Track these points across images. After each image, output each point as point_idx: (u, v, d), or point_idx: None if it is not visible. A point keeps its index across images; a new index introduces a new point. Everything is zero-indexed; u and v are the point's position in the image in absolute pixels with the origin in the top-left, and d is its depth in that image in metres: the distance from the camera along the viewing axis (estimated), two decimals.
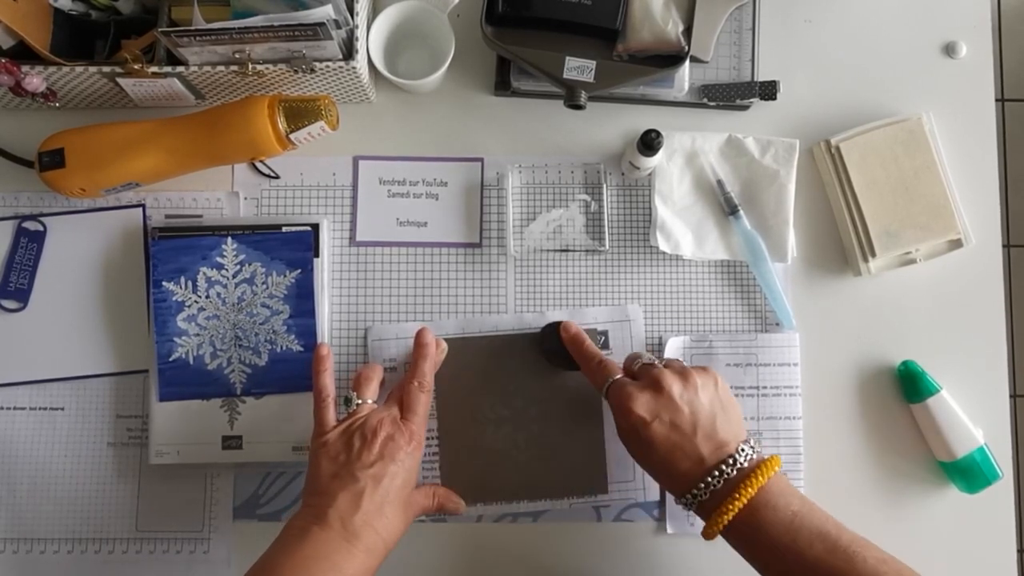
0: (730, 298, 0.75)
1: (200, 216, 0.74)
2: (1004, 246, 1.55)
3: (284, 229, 0.72)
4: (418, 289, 0.74)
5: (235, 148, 0.68)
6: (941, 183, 0.73)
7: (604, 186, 0.75)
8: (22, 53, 0.66)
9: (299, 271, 0.72)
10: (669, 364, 0.64)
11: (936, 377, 0.72)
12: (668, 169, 0.74)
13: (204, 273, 0.71)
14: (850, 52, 0.78)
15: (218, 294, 0.71)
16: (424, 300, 0.74)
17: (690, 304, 0.74)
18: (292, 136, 0.67)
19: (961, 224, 0.73)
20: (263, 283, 0.72)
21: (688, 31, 0.69)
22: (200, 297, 0.71)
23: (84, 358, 0.72)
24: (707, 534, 0.59)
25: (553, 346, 0.70)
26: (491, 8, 0.70)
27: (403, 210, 0.75)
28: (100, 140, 0.68)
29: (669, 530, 0.72)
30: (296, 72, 0.67)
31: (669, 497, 0.70)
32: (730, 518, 0.57)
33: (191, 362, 0.71)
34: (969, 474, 0.71)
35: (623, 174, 0.76)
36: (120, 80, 0.67)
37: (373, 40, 0.71)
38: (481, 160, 0.76)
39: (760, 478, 0.57)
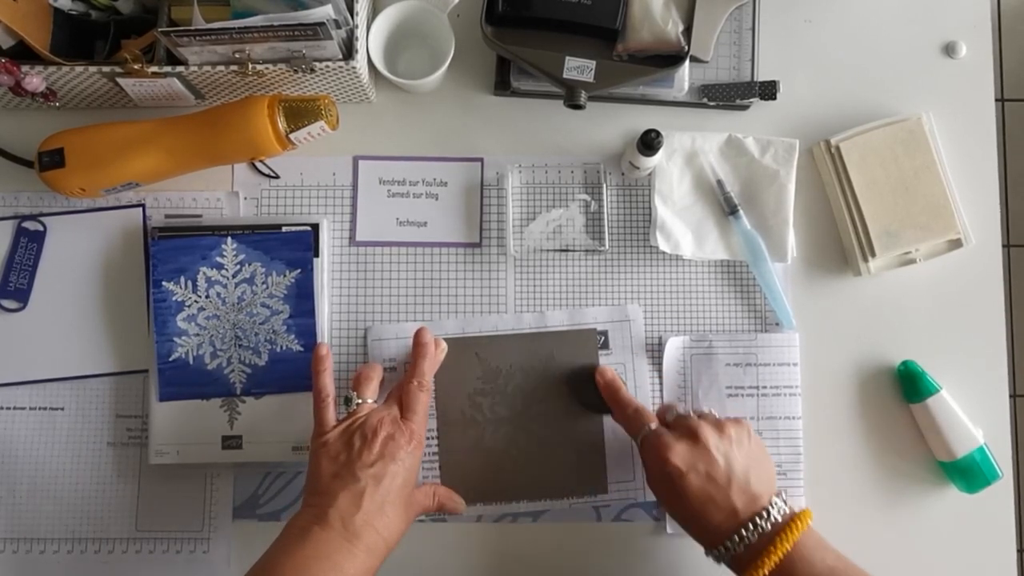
0: (730, 298, 0.75)
1: (200, 216, 0.74)
2: (1004, 246, 1.55)
3: (284, 229, 0.72)
4: (418, 289, 0.74)
5: (235, 148, 0.68)
6: (941, 183, 0.73)
7: (604, 186, 0.75)
8: (22, 53, 0.66)
9: (299, 271, 0.72)
10: (703, 416, 0.64)
11: (936, 377, 0.72)
12: (668, 169, 0.74)
13: (204, 273, 0.72)
14: (850, 52, 0.78)
15: (218, 294, 0.71)
16: (424, 300, 0.74)
17: (690, 304, 0.74)
18: (292, 136, 0.67)
19: (961, 224, 0.73)
20: (263, 283, 0.72)
21: (688, 31, 0.69)
22: (200, 297, 0.71)
23: (84, 358, 0.72)
24: None
25: (586, 387, 0.70)
26: (491, 8, 0.70)
27: (403, 210, 0.75)
28: (100, 140, 0.68)
29: (669, 530, 0.72)
30: (296, 72, 0.67)
31: None
32: (767, 572, 0.57)
33: (191, 362, 0.71)
34: (969, 474, 0.71)
35: (623, 174, 0.76)
36: (120, 80, 0.67)
37: (373, 40, 0.71)
38: (481, 160, 0.76)
39: (795, 532, 0.58)
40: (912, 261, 0.74)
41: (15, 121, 0.75)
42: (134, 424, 0.72)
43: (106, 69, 0.66)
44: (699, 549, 0.63)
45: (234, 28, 0.62)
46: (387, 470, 0.61)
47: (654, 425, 0.64)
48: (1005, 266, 1.56)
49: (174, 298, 0.71)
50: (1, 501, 0.72)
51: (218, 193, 0.74)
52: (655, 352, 0.73)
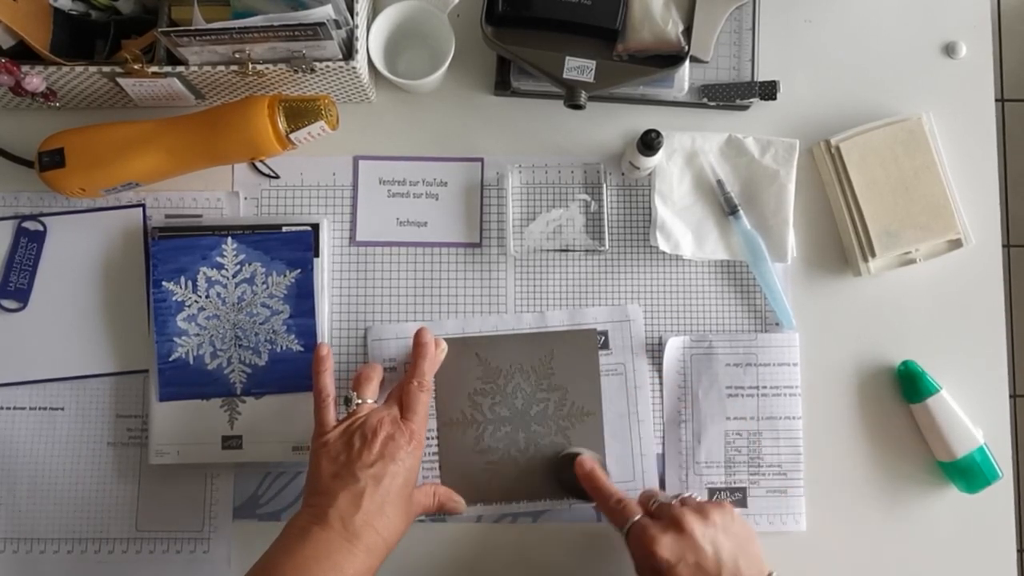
0: (730, 298, 0.75)
1: (200, 216, 0.74)
2: (1004, 246, 1.55)
3: (284, 229, 0.72)
4: (418, 289, 0.74)
5: (235, 148, 0.68)
6: (941, 183, 0.73)
7: (604, 186, 0.75)
8: (22, 53, 0.66)
9: (299, 271, 0.72)
10: (685, 502, 0.63)
11: (936, 377, 0.72)
12: (668, 169, 0.74)
13: (204, 273, 0.72)
14: (850, 52, 0.78)
15: (218, 294, 0.71)
16: (424, 300, 0.74)
17: (690, 304, 0.74)
18: (292, 136, 0.67)
19: (961, 224, 0.73)
20: (263, 283, 0.72)
21: (688, 31, 0.69)
22: (200, 297, 0.71)
23: (84, 358, 0.72)
24: None
25: (568, 476, 0.69)
26: (491, 8, 0.70)
27: (403, 210, 0.75)
28: (100, 140, 0.68)
29: None
30: (296, 72, 0.67)
31: None
32: None
33: (191, 362, 0.71)
34: (969, 474, 0.71)
35: (623, 174, 0.76)
36: (120, 80, 0.67)
37: (373, 40, 0.71)
38: (481, 160, 0.76)
39: None
40: (912, 261, 0.74)
41: (15, 121, 0.75)
42: (134, 424, 0.72)
43: (106, 69, 0.66)
44: None
45: (234, 28, 0.62)
46: (387, 470, 0.61)
47: (638, 516, 0.63)
48: (1005, 266, 1.56)
49: (174, 298, 0.71)
50: (1, 501, 0.72)
51: (218, 193, 0.74)
52: (655, 352, 0.73)
